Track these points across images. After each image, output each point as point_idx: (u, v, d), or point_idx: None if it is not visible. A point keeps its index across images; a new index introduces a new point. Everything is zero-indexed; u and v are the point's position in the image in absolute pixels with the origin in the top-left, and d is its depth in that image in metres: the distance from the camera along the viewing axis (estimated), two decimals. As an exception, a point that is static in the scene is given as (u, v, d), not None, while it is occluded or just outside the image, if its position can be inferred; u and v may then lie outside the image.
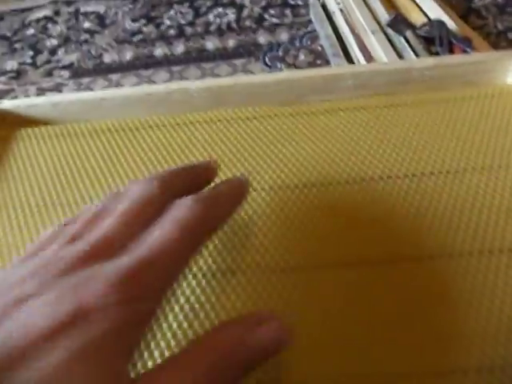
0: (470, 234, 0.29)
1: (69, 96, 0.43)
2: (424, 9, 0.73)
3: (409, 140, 0.35)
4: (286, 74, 0.40)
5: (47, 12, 0.94)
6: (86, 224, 0.22)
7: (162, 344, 0.25)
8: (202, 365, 0.18)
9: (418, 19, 0.71)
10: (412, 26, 0.68)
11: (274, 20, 0.83)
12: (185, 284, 0.28)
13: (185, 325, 0.26)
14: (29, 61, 0.84)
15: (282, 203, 0.32)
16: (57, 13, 0.94)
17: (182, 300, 0.27)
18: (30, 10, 0.96)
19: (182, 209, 0.21)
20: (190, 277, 0.28)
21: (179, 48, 0.82)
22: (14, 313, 0.17)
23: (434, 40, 0.65)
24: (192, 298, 0.27)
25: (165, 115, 0.41)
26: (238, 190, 0.27)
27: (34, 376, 0.16)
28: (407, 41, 0.67)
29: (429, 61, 0.39)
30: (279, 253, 0.28)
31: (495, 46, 0.71)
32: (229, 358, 0.19)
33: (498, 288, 0.26)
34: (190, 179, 0.26)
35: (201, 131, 0.39)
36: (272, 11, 0.85)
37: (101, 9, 0.94)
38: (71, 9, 0.94)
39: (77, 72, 0.80)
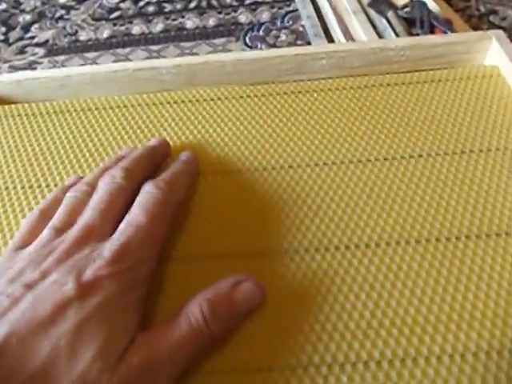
0: (429, 221, 0.29)
1: (33, 73, 0.41)
2: (406, -11, 0.71)
3: (382, 123, 0.35)
4: (258, 53, 0.38)
5: (20, -14, 0.90)
6: (70, 214, 0.26)
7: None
8: (199, 315, 0.23)
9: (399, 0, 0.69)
10: (394, 7, 0.66)
11: (256, -2, 0.81)
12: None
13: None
14: (0, 37, 0.80)
15: (244, 185, 0.31)
16: (30, -13, 0.90)
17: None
18: (2, -17, 0.91)
19: (145, 195, 0.26)
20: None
21: (158, 26, 0.79)
22: (25, 296, 0.21)
23: (416, 21, 0.64)
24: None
25: (133, 94, 0.39)
26: (190, 167, 0.31)
27: (54, 340, 0.20)
28: (388, 22, 0.66)
29: (405, 41, 0.38)
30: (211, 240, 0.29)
31: (477, 29, 0.70)
32: (221, 311, 0.23)
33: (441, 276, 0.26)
34: (150, 162, 0.31)
35: (170, 112, 0.38)
36: (253, -11, 0.83)
37: (77, -16, 0.90)
38: (46, -17, 0.90)
39: (51, 49, 0.77)
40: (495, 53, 0.38)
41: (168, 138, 0.36)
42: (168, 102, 0.38)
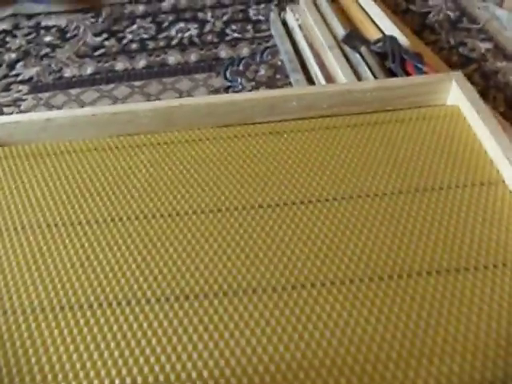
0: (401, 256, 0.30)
1: (15, 117, 0.42)
2: (379, 25, 0.74)
3: (348, 162, 0.36)
4: (231, 96, 0.40)
5: (6, 26, 0.93)
6: None
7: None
8: None
9: (373, 34, 0.73)
10: (366, 42, 0.69)
11: (236, 35, 0.84)
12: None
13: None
14: (-14, 76, 0.82)
15: (212, 227, 0.33)
16: (16, 26, 0.92)
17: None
18: (-12, 23, 0.94)
19: None
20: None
21: (141, 62, 0.82)
22: None
23: (387, 56, 0.66)
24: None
25: (112, 137, 0.41)
26: None
27: None
28: (362, 56, 0.68)
29: (371, 83, 0.40)
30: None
31: (447, 61, 0.74)
32: None
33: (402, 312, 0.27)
34: None
35: (146, 154, 0.39)
36: (234, 26, 0.86)
37: (62, 22, 0.93)
38: (32, 23, 0.93)
39: (36, 86, 0.79)
40: (456, 93, 0.40)
41: (143, 180, 0.37)
42: (144, 145, 0.40)
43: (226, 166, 0.37)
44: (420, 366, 0.25)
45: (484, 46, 0.75)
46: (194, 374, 0.26)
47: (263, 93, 0.40)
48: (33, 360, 0.27)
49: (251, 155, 0.38)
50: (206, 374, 0.26)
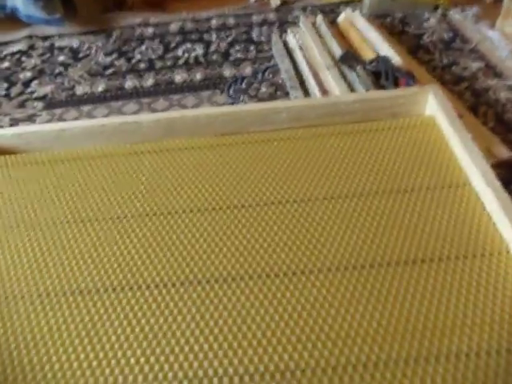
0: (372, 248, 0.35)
1: (32, 127, 0.49)
2: (374, 45, 0.80)
3: (331, 167, 0.41)
4: (227, 108, 0.46)
5: (22, 46, 1.01)
6: None
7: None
8: None
9: (368, 54, 0.78)
10: (362, 62, 0.75)
11: (239, 55, 0.91)
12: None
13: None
14: (2, 92, 0.89)
15: (214, 223, 0.38)
16: (32, 47, 1.00)
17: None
18: (5, 44, 1.02)
19: None
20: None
21: (149, 81, 0.88)
22: None
23: (381, 74, 0.72)
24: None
25: (118, 144, 0.46)
26: None
27: None
28: (358, 75, 0.74)
29: (352, 96, 0.45)
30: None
31: (441, 79, 0.79)
32: None
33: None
34: None
35: (150, 160, 0.45)
36: (237, 47, 0.93)
37: (75, 43, 1.01)
38: (46, 43, 1.01)
39: (50, 103, 0.86)
40: (432, 105, 0.45)
41: (147, 183, 0.42)
42: (148, 151, 0.45)
43: (221, 170, 0.43)
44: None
45: (475, 65, 0.80)
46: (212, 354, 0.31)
47: (256, 105, 0.46)
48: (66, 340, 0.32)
49: (244, 161, 0.43)
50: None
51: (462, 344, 0.29)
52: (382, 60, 0.73)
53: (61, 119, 0.83)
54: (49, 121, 0.82)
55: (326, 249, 0.35)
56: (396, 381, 0.28)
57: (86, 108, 0.85)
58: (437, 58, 0.83)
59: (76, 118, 0.83)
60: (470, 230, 0.36)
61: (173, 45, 0.96)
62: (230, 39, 0.96)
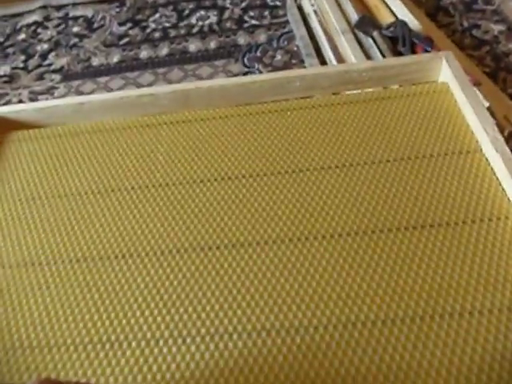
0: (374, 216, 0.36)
1: (52, 102, 0.50)
2: (392, 8, 0.79)
3: (344, 135, 0.42)
4: (241, 79, 0.47)
5: (37, 17, 1.02)
6: None
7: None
8: None
9: (386, 18, 0.77)
10: (378, 27, 0.74)
11: (254, 22, 0.90)
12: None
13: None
14: (21, 65, 0.91)
15: (238, 191, 0.41)
16: (47, 18, 1.01)
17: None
18: (20, 15, 1.03)
19: None
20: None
21: (164, 50, 0.89)
22: None
23: (398, 40, 0.71)
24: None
25: (136, 117, 0.48)
26: None
27: None
28: (374, 41, 0.73)
29: (365, 64, 0.45)
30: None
31: (460, 43, 0.78)
32: None
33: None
34: None
35: (167, 131, 0.46)
36: (251, 13, 0.92)
37: (89, 13, 1.01)
38: (61, 13, 1.02)
39: (66, 75, 0.88)
40: (445, 71, 0.45)
41: (165, 154, 0.44)
42: (165, 123, 0.47)
43: (236, 140, 0.44)
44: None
45: (497, 27, 0.78)
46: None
47: (269, 75, 0.47)
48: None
49: (258, 131, 0.44)
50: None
51: (466, 303, 0.31)
52: (399, 25, 0.72)
53: (78, 91, 0.85)
54: (66, 94, 0.84)
55: (338, 215, 0.37)
56: (403, 335, 0.30)
57: (102, 80, 0.86)
58: (457, 21, 0.81)
59: (93, 90, 0.85)
60: (479, 195, 0.37)
61: (186, 12, 0.96)
62: (244, 4, 0.95)
